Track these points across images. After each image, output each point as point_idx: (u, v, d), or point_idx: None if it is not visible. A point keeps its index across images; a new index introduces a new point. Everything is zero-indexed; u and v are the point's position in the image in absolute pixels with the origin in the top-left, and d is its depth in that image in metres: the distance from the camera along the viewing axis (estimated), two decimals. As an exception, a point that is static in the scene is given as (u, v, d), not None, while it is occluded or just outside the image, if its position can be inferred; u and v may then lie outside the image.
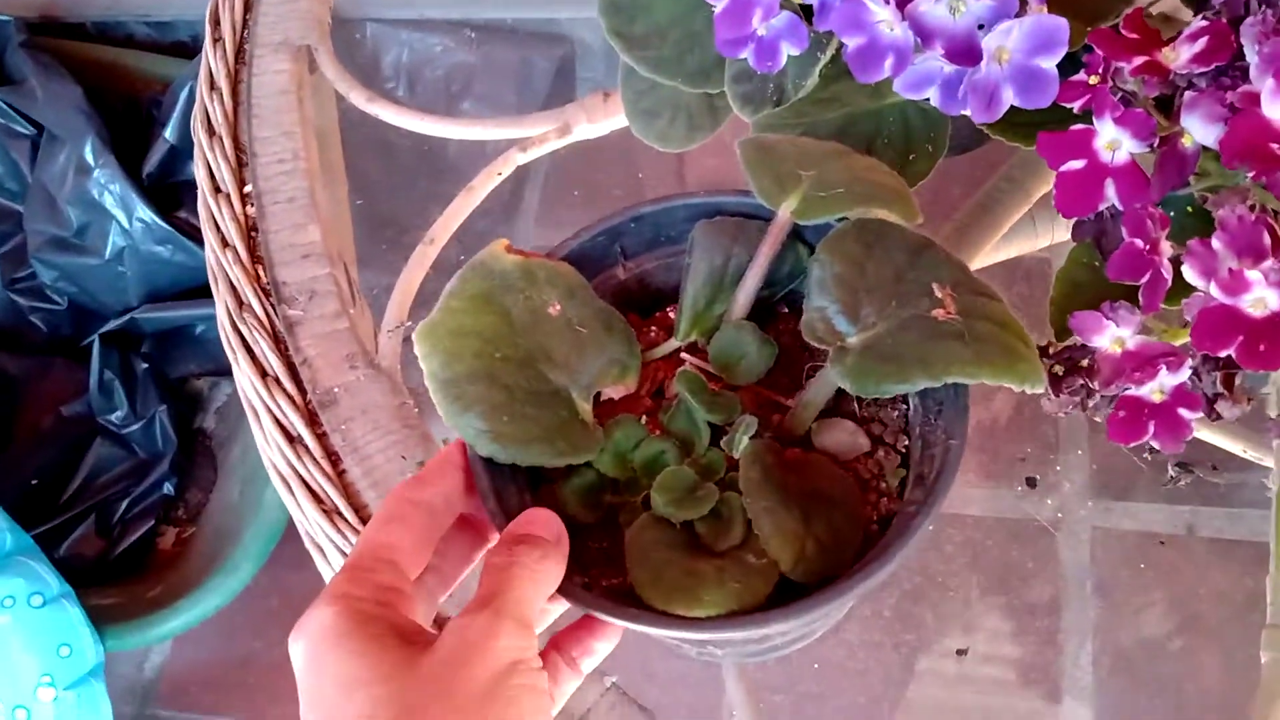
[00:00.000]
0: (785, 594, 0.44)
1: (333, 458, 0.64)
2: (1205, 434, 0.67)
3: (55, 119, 1.27)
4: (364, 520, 0.62)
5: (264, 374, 0.66)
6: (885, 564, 0.43)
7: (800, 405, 0.50)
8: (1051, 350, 0.48)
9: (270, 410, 0.65)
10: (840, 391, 0.48)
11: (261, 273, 0.70)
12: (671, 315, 0.54)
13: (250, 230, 0.72)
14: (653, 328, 0.54)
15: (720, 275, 0.51)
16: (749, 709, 0.60)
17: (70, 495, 1.26)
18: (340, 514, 0.62)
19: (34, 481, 1.24)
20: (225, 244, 0.71)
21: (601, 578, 0.47)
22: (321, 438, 0.64)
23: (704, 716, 0.97)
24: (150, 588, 1.20)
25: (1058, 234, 0.74)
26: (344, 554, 0.60)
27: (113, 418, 1.28)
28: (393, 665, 0.38)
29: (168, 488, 1.27)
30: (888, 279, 0.47)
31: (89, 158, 1.26)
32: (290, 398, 0.65)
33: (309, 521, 0.62)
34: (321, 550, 0.62)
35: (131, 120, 1.32)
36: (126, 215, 1.27)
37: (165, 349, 1.31)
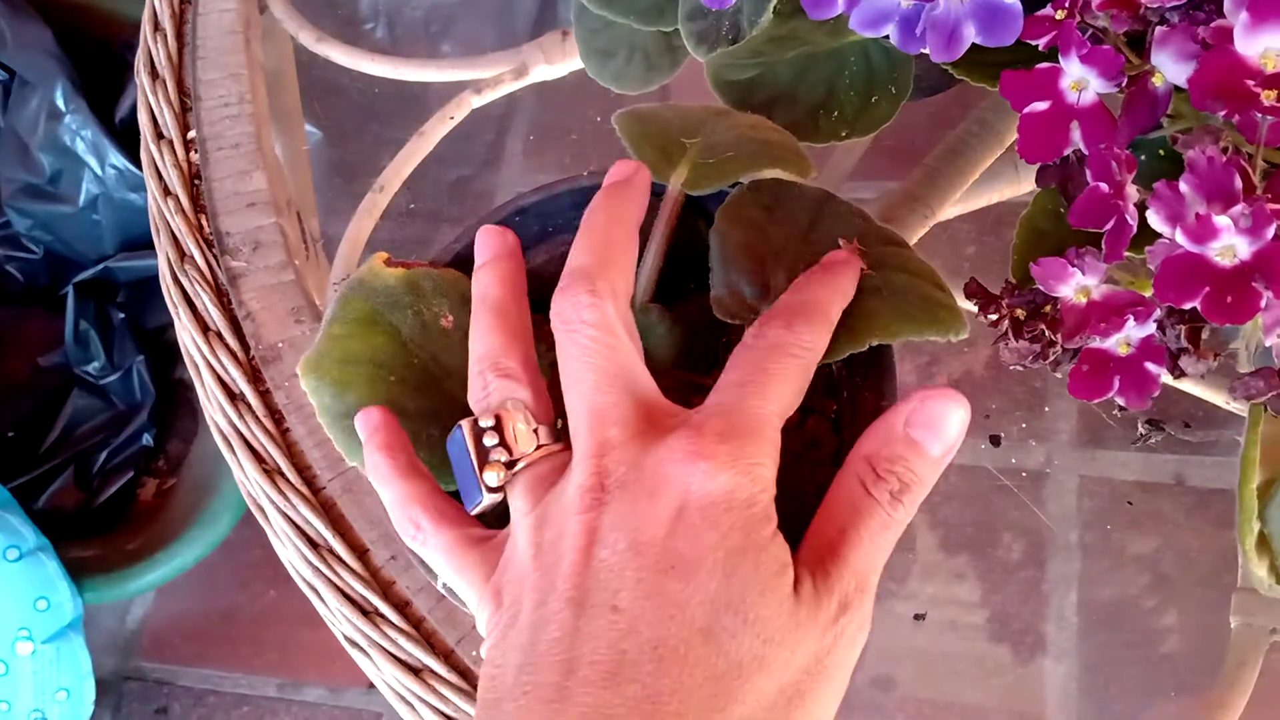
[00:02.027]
0: None
1: (276, 416, 0.61)
2: (1187, 384, 0.63)
3: (25, 63, 1.23)
4: (308, 481, 0.59)
5: (205, 329, 0.63)
6: None
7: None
8: (1011, 294, 0.43)
9: (211, 366, 0.62)
10: None
11: (205, 222, 0.66)
12: None
13: (193, 178, 0.68)
14: None
15: None
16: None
17: (48, 447, 1.24)
18: (282, 474, 0.58)
19: (10, 433, 1.23)
20: (167, 192, 0.67)
21: None
22: (264, 395, 0.61)
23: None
24: (130, 540, 1.19)
25: None
26: (286, 516, 0.57)
27: (90, 368, 1.25)
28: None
29: (147, 439, 1.25)
30: (793, 240, 0.44)
31: (60, 103, 1.22)
32: (232, 353, 0.62)
33: (250, 482, 0.59)
34: (263, 511, 0.59)
35: (104, 63, 1.27)
36: (99, 162, 1.23)
37: (141, 298, 1.27)
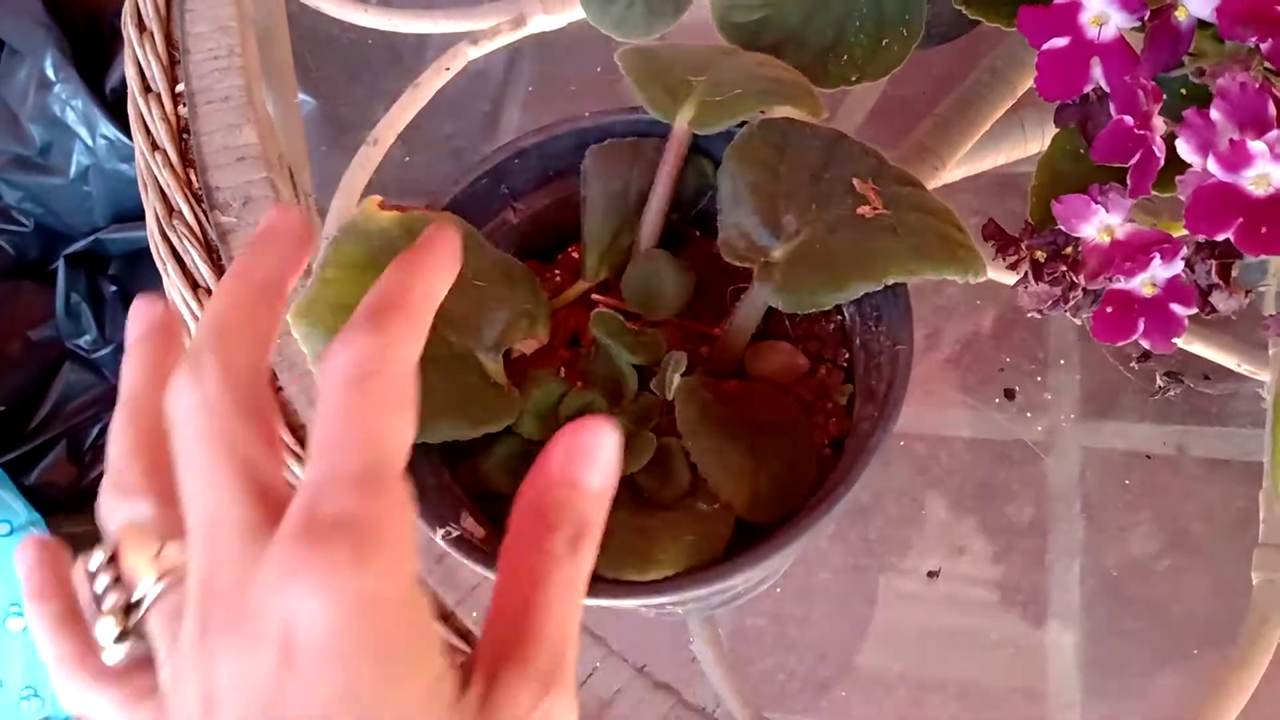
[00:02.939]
0: (746, 537, 0.39)
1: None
2: (1198, 347, 0.61)
3: (14, 32, 1.20)
4: (301, 441, 0.56)
5: (195, 285, 0.61)
6: (847, 487, 0.38)
7: (729, 333, 0.44)
8: (1030, 236, 0.41)
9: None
10: (770, 311, 0.43)
11: (193, 177, 0.64)
12: (575, 255, 0.48)
13: (182, 132, 0.66)
14: (556, 272, 0.48)
15: (622, 204, 0.46)
16: (714, 652, 0.54)
17: (39, 422, 1.21)
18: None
19: (2, 408, 1.20)
20: (155, 147, 0.65)
21: None
22: None
23: (668, 656, 0.95)
24: None
25: (1048, 139, 0.67)
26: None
27: (81, 342, 1.22)
28: None
29: None
30: (804, 181, 0.42)
31: (50, 72, 1.19)
32: None
33: None
34: None
35: (93, 33, 1.25)
36: (90, 132, 1.20)
37: (134, 271, 1.25)
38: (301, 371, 0.58)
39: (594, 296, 0.46)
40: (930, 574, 0.64)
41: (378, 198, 0.44)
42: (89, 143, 1.21)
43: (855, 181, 0.41)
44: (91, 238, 1.24)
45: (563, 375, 0.44)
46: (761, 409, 0.42)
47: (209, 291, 0.60)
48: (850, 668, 1.11)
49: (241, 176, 0.63)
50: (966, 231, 0.40)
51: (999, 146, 0.66)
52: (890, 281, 0.38)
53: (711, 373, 0.44)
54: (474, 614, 0.51)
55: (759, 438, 0.41)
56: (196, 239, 0.62)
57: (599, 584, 0.38)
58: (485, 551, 0.40)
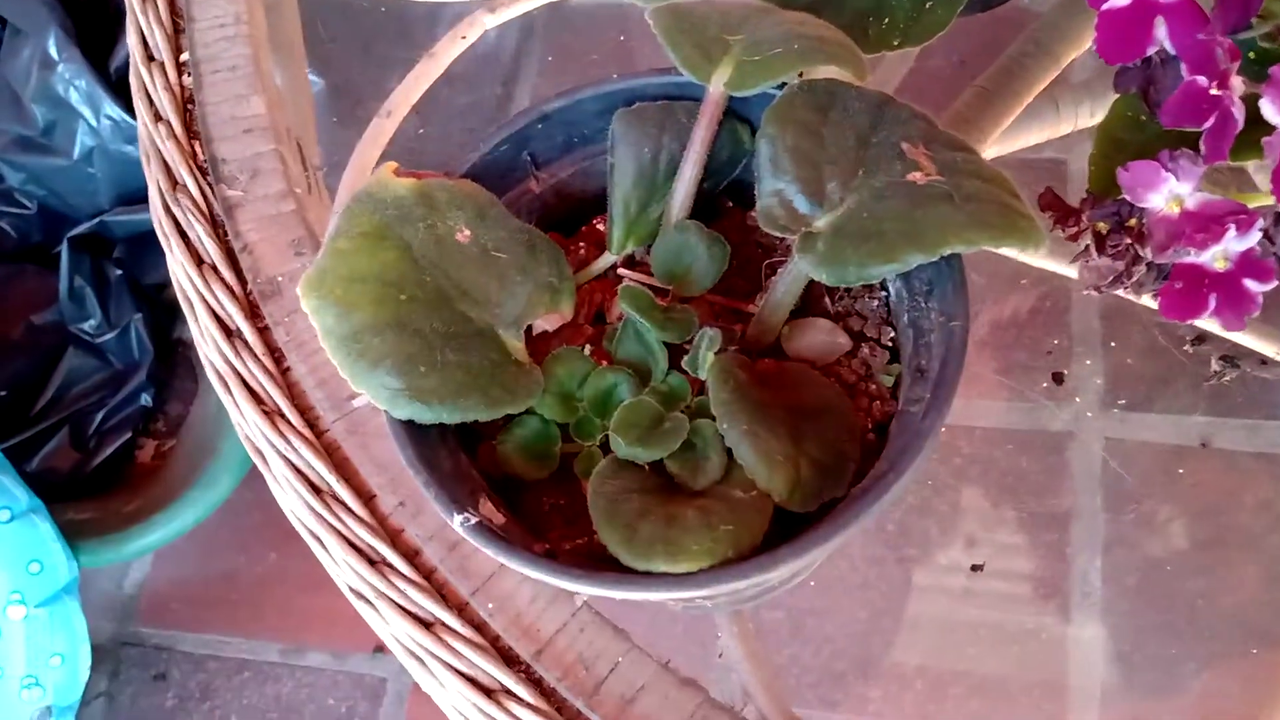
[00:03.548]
0: (784, 527, 0.37)
1: (275, 354, 0.56)
2: (1241, 335, 0.58)
3: (16, 10, 1.18)
4: (310, 423, 0.54)
5: (199, 261, 0.58)
6: (897, 475, 0.35)
7: (766, 309, 0.41)
8: (1092, 206, 0.38)
9: (206, 301, 0.57)
10: (809, 287, 0.41)
11: (198, 149, 0.61)
12: (601, 227, 0.45)
13: (187, 102, 0.63)
14: (581, 245, 0.45)
15: (651, 172, 0.43)
16: (744, 648, 0.51)
17: (42, 407, 1.19)
18: (283, 415, 0.54)
19: (3, 393, 1.17)
20: (158, 118, 0.62)
21: (563, 540, 0.39)
22: (263, 332, 0.56)
23: (692, 649, 0.93)
24: (128, 502, 1.14)
25: (1081, 119, 0.64)
26: (286, 460, 0.53)
27: (85, 326, 1.20)
28: None
29: (145, 399, 1.20)
30: (850, 145, 0.39)
31: (53, 51, 1.17)
32: (228, 287, 0.56)
33: (248, 424, 0.54)
34: (263, 456, 0.54)
35: (97, 12, 1.22)
36: (94, 113, 1.18)
37: (138, 254, 1.22)
38: (311, 350, 0.55)
39: (620, 271, 0.44)
40: (974, 568, 0.61)
41: (393, 164, 0.41)
42: (93, 123, 1.18)
43: (905, 146, 0.38)
44: (96, 220, 1.21)
45: (588, 353, 0.42)
46: (800, 390, 0.39)
47: (214, 268, 0.57)
48: (868, 661, 1.09)
49: (249, 149, 0.60)
50: (1025, 202, 0.37)
51: (1030, 126, 0.64)
52: (947, 252, 0.35)
53: (746, 351, 0.41)
54: (489, 605, 0.48)
55: (798, 421, 0.38)
56: (201, 213, 0.59)
57: (624, 575, 0.35)
58: (504, 538, 0.37)
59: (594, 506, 0.37)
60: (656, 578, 0.35)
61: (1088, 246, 0.39)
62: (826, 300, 0.42)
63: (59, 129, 1.19)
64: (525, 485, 0.41)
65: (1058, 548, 1.00)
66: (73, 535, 1.05)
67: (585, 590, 0.35)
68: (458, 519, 0.36)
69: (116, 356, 1.21)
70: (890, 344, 0.41)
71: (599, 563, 0.37)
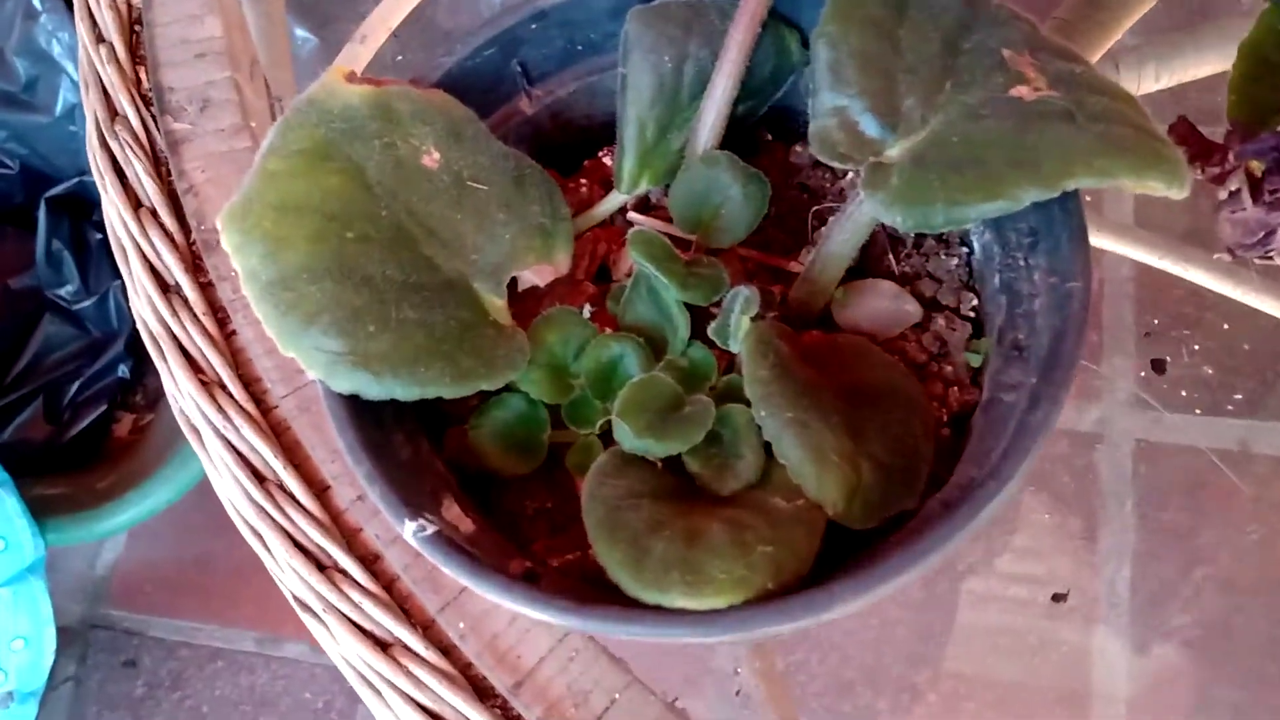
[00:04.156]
0: (835, 547, 0.28)
1: (219, 314, 0.48)
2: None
3: (-1, -41, 1.13)
4: (256, 398, 0.46)
5: (136, 204, 0.50)
6: (1002, 482, 0.27)
7: (815, 267, 0.32)
8: (1241, 140, 0.29)
9: (141, 250, 0.49)
10: (869, 241, 0.31)
11: (143, 76, 0.54)
12: (607, 161, 0.37)
13: (134, 23, 0.56)
14: (582, 183, 0.36)
15: (674, 87, 0.34)
16: (768, 688, 0.43)
17: (16, 376, 1.13)
18: (223, 387, 0.45)
19: (-26, 360, 1.12)
20: (100, 39, 0.55)
21: (550, 554, 0.31)
22: (205, 288, 0.48)
23: (701, 678, 0.86)
24: (101, 478, 1.09)
25: (1145, 82, 0.55)
26: (224, 440, 0.45)
27: (62, 292, 1.15)
28: None
29: (123, 370, 1.15)
30: (934, 52, 0.30)
31: (35, 2, 1.11)
32: (168, 235, 0.49)
33: (181, 395, 0.46)
34: (197, 433, 0.46)
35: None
36: (77, 67, 1.11)
37: (120, 218, 1.15)
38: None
39: (631, 215, 0.35)
40: (1056, 597, 0.52)
41: (345, 68, 0.32)
42: (76, 78, 1.12)
43: (1006, 53, 0.29)
44: (76, 180, 1.17)
45: (587, 316, 0.33)
46: (858, 370, 0.31)
47: (153, 212, 0.49)
48: (877, 669, 1.02)
49: (200, 76, 0.52)
50: (1159, 130, 0.28)
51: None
52: (1072, 186, 0.26)
53: (788, 320, 0.32)
54: (460, 624, 0.39)
55: (857, 409, 0.29)
56: (141, 148, 0.51)
57: (629, 610, 0.26)
58: (470, 554, 0.28)
59: (590, 514, 0.28)
60: (671, 615, 0.26)
61: (1234, 192, 0.29)
62: (890, 258, 0.33)
63: (41, 84, 1.13)
64: (503, 482, 0.32)
65: (1085, 554, 0.93)
66: (42, 512, 1.00)
67: (576, 626, 0.26)
68: (410, 526, 0.27)
69: (94, 325, 1.16)
70: (972, 314, 0.32)
71: (595, 588, 0.29)
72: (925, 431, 0.29)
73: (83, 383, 1.13)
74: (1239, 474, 0.94)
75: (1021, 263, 0.30)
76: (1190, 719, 0.92)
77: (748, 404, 0.29)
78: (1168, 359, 0.96)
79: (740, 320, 0.29)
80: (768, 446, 0.29)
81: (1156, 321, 0.98)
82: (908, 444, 0.29)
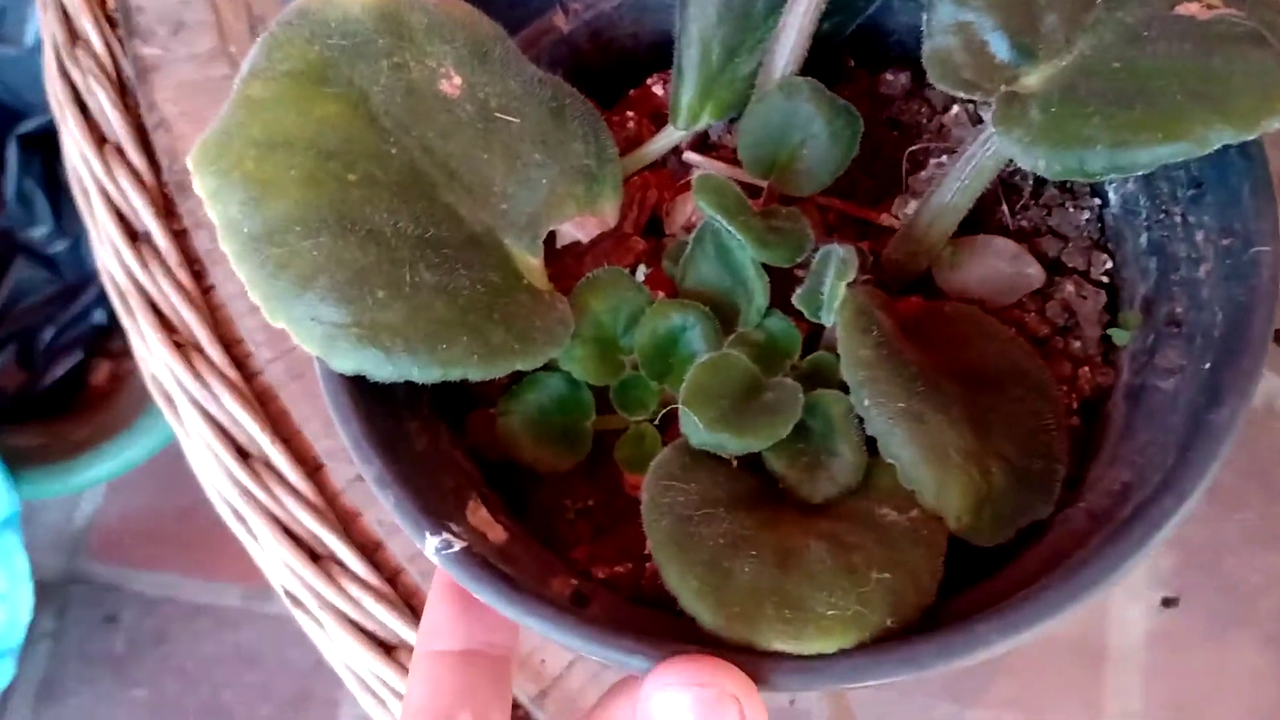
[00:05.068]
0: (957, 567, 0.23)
1: (195, 266, 0.43)
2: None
3: (-39, -122, 1.07)
4: (238, 361, 0.41)
5: (101, 140, 0.46)
6: (1181, 496, 0.21)
7: (920, 221, 0.26)
8: None
9: (106, 192, 0.45)
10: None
11: None
12: (659, 90, 0.32)
13: None
14: (629, 116, 0.31)
15: (745, 2, 0.28)
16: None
17: None
18: (200, 349, 0.41)
19: (-59, 307, 1.09)
20: None
21: (594, 563, 0.25)
22: (179, 236, 0.43)
23: None
24: (78, 428, 1.06)
25: None
26: (202, 409, 0.40)
27: (34, 234, 1.11)
28: None
29: (99, 316, 1.12)
30: None
31: (1, -79, 1.07)
32: (136, 175, 0.44)
33: (153, 359, 0.41)
34: (172, 403, 0.41)
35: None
36: (46, -7, 1.05)
37: (95, 158, 1.10)
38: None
39: (687, 156, 0.29)
40: (1166, 601, 0.47)
41: (343, -27, 0.25)
42: None
43: (1178, -34, 0.23)
44: (47, 117, 1.08)
45: (640, 279, 0.27)
46: (973, 347, 0.25)
47: (118, 150, 0.43)
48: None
49: (173, -7, 0.46)
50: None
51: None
52: (1275, 127, 0.20)
53: (882, 285, 0.26)
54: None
55: (977, 397, 0.24)
56: (106, 76, 0.47)
57: (713, 650, 0.21)
58: (506, 575, 0.22)
59: (655, 528, 0.22)
60: (765, 659, 0.20)
61: None
62: (1004, 209, 0.27)
63: (9, 14, 1.07)
64: (537, 475, 0.26)
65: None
66: (16, 463, 0.97)
67: (642, 670, 0.20)
68: (432, 542, 0.22)
69: (69, 269, 1.11)
70: (1104, 278, 0.26)
71: (655, 609, 0.23)
72: (1058, 425, 0.24)
73: (57, 329, 1.10)
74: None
75: (1178, 219, 0.25)
76: (1208, 679, 0.89)
77: (840, 388, 0.23)
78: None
79: (836, 286, 0.23)
80: (870, 442, 0.23)
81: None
82: (1040, 439, 0.24)
